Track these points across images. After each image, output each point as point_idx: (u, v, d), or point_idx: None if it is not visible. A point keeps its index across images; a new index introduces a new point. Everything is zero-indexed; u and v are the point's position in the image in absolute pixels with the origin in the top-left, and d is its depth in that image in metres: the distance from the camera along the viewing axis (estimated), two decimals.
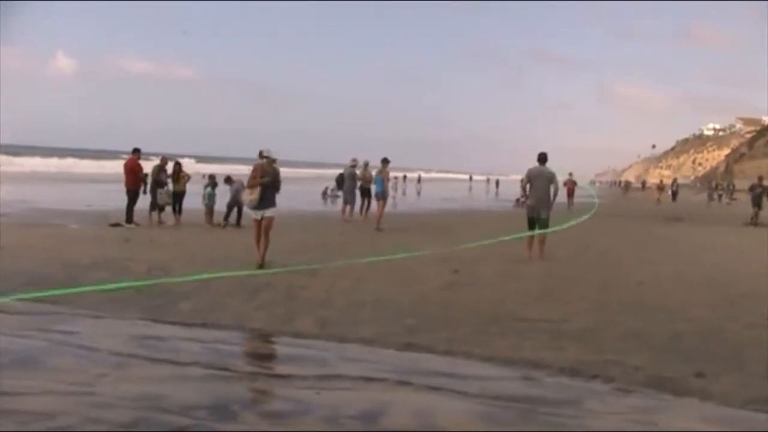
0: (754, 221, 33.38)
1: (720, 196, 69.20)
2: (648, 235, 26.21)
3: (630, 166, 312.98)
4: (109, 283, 11.05)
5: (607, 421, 6.23)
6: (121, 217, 22.15)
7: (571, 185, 48.55)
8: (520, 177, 18.55)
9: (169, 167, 24.26)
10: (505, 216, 32.57)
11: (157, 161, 24.39)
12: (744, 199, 54.10)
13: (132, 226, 21.58)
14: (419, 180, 74.77)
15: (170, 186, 23.73)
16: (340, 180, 28.63)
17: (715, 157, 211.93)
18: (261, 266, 13.50)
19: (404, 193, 59.46)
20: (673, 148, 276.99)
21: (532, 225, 17.07)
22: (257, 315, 9.77)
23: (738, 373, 7.68)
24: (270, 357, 7.93)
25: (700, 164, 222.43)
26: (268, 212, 14.07)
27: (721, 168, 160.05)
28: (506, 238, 16.51)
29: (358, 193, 28.27)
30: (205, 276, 11.17)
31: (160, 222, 22.96)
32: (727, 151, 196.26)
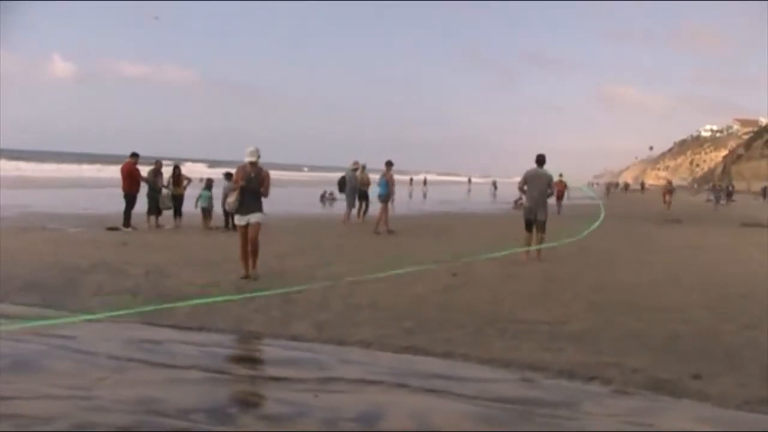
0: None
1: (718, 198, 68.49)
2: (645, 236, 26.24)
3: (627, 168, 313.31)
4: (108, 286, 11.11)
5: (605, 423, 6.24)
6: (119, 221, 22.16)
7: (560, 187, 42.61)
8: (518, 179, 18.54)
9: (166, 171, 24.24)
10: (505, 218, 32.53)
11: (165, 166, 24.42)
12: (742, 202, 54.38)
13: (129, 229, 21.58)
14: (425, 182, 75.10)
15: (169, 189, 23.75)
16: (341, 183, 28.59)
17: (712, 159, 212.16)
18: (247, 277, 12.83)
19: (410, 196, 59.58)
20: (670, 150, 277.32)
21: (529, 226, 17.11)
22: (254, 318, 9.77)
23: (735, 374, 7.68)
24: (267, 360, 7.93)
25: (697, 165, 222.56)
26: (254, 218, 12.97)
27: (719, 169, 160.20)
28: (517, 249, 16.51)
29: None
30: (196, 302, 11.13)
31: (158, 226, 22.96)
32: (724, 152, 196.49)
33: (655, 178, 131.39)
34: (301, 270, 13.77)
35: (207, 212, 23.81)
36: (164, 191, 23.55)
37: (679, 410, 6.70)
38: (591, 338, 9.15)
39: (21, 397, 6.39)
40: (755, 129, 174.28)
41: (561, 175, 43.27)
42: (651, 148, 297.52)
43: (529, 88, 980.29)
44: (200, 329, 9.17)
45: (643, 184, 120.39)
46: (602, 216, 19.67)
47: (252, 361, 7.90)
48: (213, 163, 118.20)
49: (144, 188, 23.35)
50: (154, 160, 24.91)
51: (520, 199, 27.16)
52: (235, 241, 19.37)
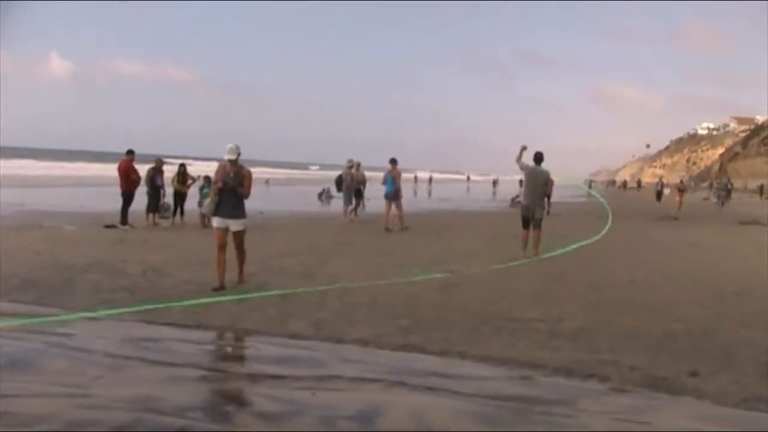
0: None
1: (722, 197, 67.70)
2: (642, 234, 26.25)
3: (624, 166, 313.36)
4: (105, 285, 11.14)
5: (603, 420, 6.24)
6: (116, 219, 22.14)
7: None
8: (519, 177, 18.61)
9: (169, 169, 24.29)
10: (503, 216, 32.51)
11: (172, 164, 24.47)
12: (739, 200, 54.41)
13: (126, 227, 21.58)
14: (430, 180, 75.38)
15: (173, 186, 23.82)
16: (338, 181, 28.64)
17: (709, 156, 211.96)
18: (221, 288, 11.55)
19: (415, 194, 59.78)
20: (667, 148, 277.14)
21: (526, 224, 17.14)
22: (251, 316, 9.76)
23: (731, 372, 7.70)
24: (265, 358, 7.89)
25: (694, 163, 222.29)
26: (236, 225, 11.99)
27: (716, 167, 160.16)
28: (523, 261, 16.52)
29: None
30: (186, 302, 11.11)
31: (155, 224, 22.94)
32: (721, 150, 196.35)
33: (651, 176, 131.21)
34: (297, 269, 13.75)
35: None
36: (165, 202, 23.62)
37: (676, 408, 6.70)
38: (587, 336, 9.16)
39: (17, 395, 6.38)
40: (752, 127, 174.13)
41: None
42: (648, 146, 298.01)
43: (527, 87, 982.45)
44: (197, 327, 9.16)
45: (639, 182, 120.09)
46: (609, 219, 19.73)
47: (249, 359, 7.89)
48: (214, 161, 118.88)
49: (143, 186, 23.36)
50: (155, 159, 24.94)
51: (517, 196, 27.21)
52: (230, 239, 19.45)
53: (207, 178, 24.91)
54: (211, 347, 8.28)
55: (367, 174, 28.48)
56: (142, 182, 23.38)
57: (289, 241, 18.89)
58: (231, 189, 11.87)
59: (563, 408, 6.50)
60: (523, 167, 17.31)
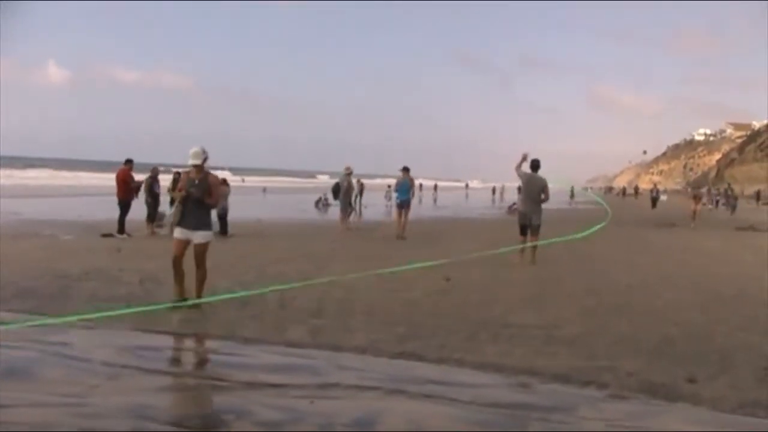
0: None
1: (717, 202, 66.96)
2: (639, 239, 26.30)
3: (621, 172, 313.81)
4: (102, 293, 11.16)
5: (601, 427, 6.25)
6: (113, 228, 22.15)
7: None
8: (517, 184, 18.61)
9: (164, 178, 24.29)
10: (501, 222, 32.53)
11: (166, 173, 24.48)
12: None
13: (124, 236, 21.58)
14: (435, 188, 75.77)
15: (166, 195, 23.83)
16: (336, 189, 28.64)
17: (706, 162, 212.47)
18: (183, 300, 10.75)
19: (420, 201, 59.96)
20: (664, 154, 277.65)
21: (524, 231, 17.19)
22: (249, 324, 9.75)
23: (729, 377, 7.71)
24: (262, 366, 7.89)
25: (691, 169, 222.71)
26: (198, 236, 10.92)
27: (713, 173, 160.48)
28: (518, 246, 16.52)
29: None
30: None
31: (153, 232, 22.94)
32: (718, 155, 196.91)
33: (648, 183, 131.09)
34: (294, 276, 13.74)
35: None
36: (161, 211, 23.65)
37: (674, 414, 6.71)
38: (584, 342, 9.17)
39: (14, 405, 6.37)
40: (748, 133, 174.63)
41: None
42: (645, 152, 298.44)
43: (524, 90, 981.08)
44: (194, 335, 9.16)
45: (636, 189, 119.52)
46: (608, 213, 19.72)
47: (247, 367, 7.86)
48: (236, 171, 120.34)
49: (142, 195, 23.38)
50: (151, 167, 24.96)
51: (515, 204, 27.23)
52: (226, 247, 19.46)
53: (223, 181, 24.95)
54: (209, 355, 8.27)
55: (365, 182, 28.45)
56: (141, 191, 23.39)
57: (287, 248, 18.90)
58: (197, 198, 10.85)
59: (562, 415, 6.50)
60: (520, 175, 17.38)
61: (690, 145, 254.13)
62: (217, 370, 7.69)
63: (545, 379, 7.64)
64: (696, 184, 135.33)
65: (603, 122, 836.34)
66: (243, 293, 10.82)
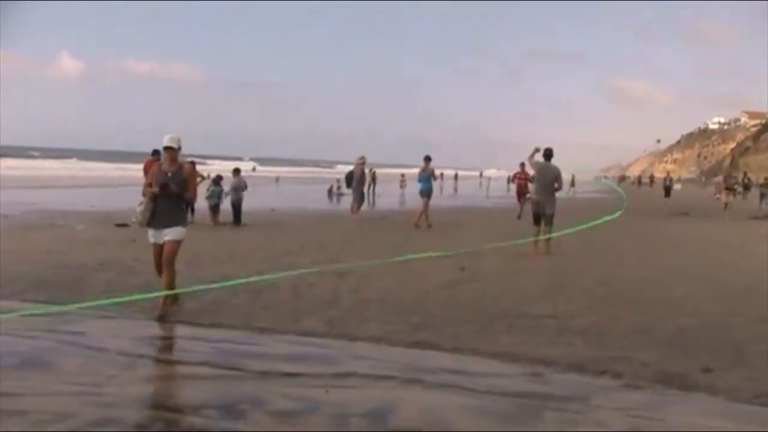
0: None
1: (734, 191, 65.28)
2: (652, 230, 26.17)
3: (635, 161, 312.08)
4: (117, 283, 11.20)
5: (616, 417, 6.25)
6: (127, 218, 22.20)
7: (522, 178, 30.82)
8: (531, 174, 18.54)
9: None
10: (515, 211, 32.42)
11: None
12: (750, 194, 53.93)
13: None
14: (456, 177, 76.15)
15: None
16: (349, 177, 28.65)
17: (720, 151, 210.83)
18: (161, 317, 9.54)
19: (441, 191, 60.05)
20: (678, 143, 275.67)
21: (537, 220, 17.16)
22: (264, 314, 9.80)
23: (744, 368, 7.69)
24: (278, 356, 7.91)
25: (705, 158, 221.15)
26: (171, 233, 9.82)
27: (727, 162, 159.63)
28: (530, 239, 16.50)
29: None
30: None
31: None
32: (732, 144, 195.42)
33: (662, 171, 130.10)
34: (308, 266, 13.75)
35: (215, 208, 23.85)
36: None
37: (689, 404, 6.71)
38: (598, 332, 9.16)
39: (32, 394, 6.42)
40: (763, 121, 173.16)
41: (522, 165, 30.41)
42: (659, 141, 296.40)
43: (537, 83, 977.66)
44: (210, 325, 9.19)
45: (651, 178, 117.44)
46: (624, 200, 19.64)
47: (262, 356, 7.89)
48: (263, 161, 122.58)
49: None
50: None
51: (528, 193, 27.15)
52: (240, 236, 19.51)
53: (217, 176, 24.98)
54: (225, 345, 8.29)
55: (379, 171, 28.47)
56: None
57: (300, 238, 18.92)
58: (170, 193, 9.77)
59: (577, 404, 6.51)
60: (533, 165, 17.37)
61: (704, 133, 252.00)
62: (232, 359, 7.70)
63: (560, 368, 7.65)
64: (710, 173, 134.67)
65: (617, 113, 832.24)
66: (232, 282, 10.86)
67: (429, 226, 23.30)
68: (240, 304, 10.35)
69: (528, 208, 21.16)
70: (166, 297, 9.80)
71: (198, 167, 25.77)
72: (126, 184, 23.03)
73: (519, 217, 28.55)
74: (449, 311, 10.22)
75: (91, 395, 6.42)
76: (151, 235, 9.95)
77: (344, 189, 37.55)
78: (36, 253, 14.57)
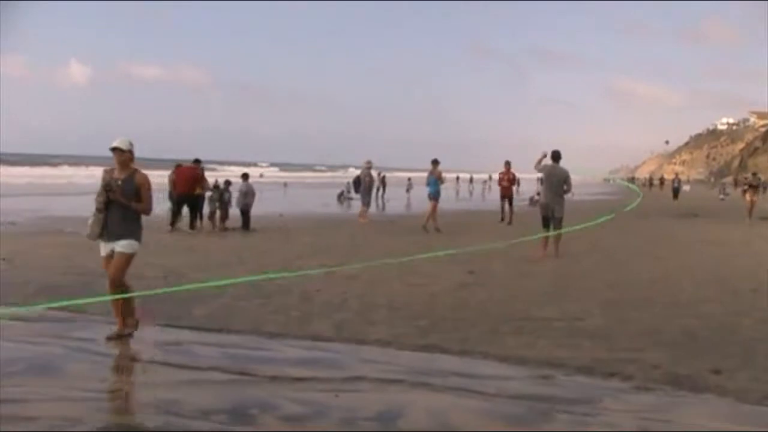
0: None
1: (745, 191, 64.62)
2: (660, 231, 26.11)
3: (643, 162, 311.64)
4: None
5: (626, 419, 6.24)
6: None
7: (507, 179, 28.77)
8: (538, 176, 18.50)
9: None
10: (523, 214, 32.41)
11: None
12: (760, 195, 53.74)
13: (192, 230, 22.91)
14: (471, 180, 76.87)
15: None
16: (356, 182, 28.79)
17: (729, 152, 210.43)
18: (119, 336, 8.62)
19: (457, 193, 60.47)
20: (686, 144, 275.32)
21: (546, 223, 17.12)
22: (273, 319, 9.81)
23: (753, 369, 7.68)
24: (287, 360, 7.92)
25: (714, 159, 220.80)
26: (120, 245, 8.60)
27: (735, 162, 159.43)
28: (540, 235, 16.49)
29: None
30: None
31: (173, 228, 23.11)
32: (741, 145, 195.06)
33: (671, 173, 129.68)
34: (318, 269, 13.77)
35: (212, 215, 23.90)
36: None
37: (699, 406, 6.69)
38: (607, 334, 9.15)
39: (42, 400, 6.45)
40: None
41: (508, 164, 28.87)
42: (667, 143, 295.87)
43: (541, 84, 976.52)
44: (219, 330, 9.21)
45: (662, 179, 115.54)
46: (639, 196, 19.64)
47: (271, 361, 7.90)
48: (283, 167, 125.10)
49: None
50: (175, 164, 25.19)
51: (537, 194, 27.16)
52: (250, 242, 19.54)
53: (226, 182, 25.03)
54: (234, 350, 8.30)
55: (388, 174, 28.61)
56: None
57: (309, 243, 18.96)
58: (121, 203, 8.60)
59: (586, 407, 6.51)
60: (540, 169, 17.36)
61: (713, 134, 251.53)
62: (241, 364, 7.71)
63: (569, 371, 7.64)
64: (719, 174, 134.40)
65: (625, 114, 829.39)
66: (217, 282, 10.87)
67: (437, 230, 23.29)
68: (249, 308, 10.37)
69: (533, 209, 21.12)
70: (124, 315, 8.75)
71: (214, 174, 26.01)
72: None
73: (505, 221, 27.85)
74: (458, 314, 10.23)
75: (100, 401, 6.45)
76: (102, 248, 8.74)
77: (353, 194, 37.63)
78: (44, 259, 14.63)
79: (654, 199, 56.86)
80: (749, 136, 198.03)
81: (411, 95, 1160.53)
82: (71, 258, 14.99)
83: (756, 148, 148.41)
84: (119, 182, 8.62)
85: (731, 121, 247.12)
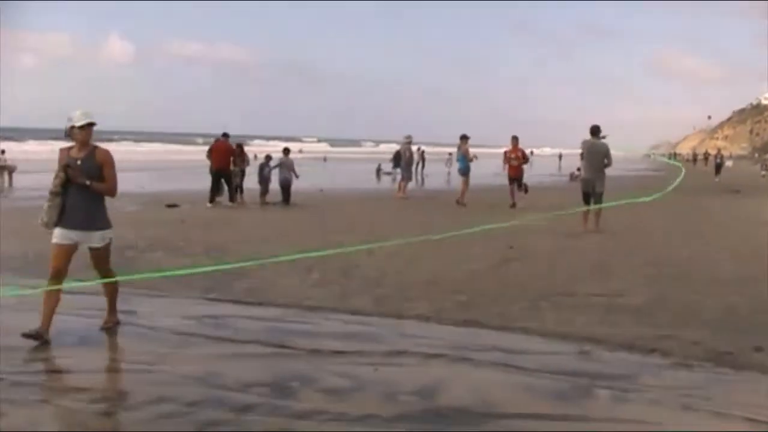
0: None
1: None
2: (702, 208, 25.84)
3: (685, 138, 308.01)
4: (168, 264, 11.32)
5: (667, 395, 6.21)
6: (178, 199, 22.65)
7: (517, 157, 25.49)
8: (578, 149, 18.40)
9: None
10: (564, 190, 32.26)
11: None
12: None
13: (233, 203, 23.39)
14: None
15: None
16: (396, 157, 28.85)
17: None
18: (40, 337, 7.32)
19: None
20: (729, 119, 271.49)
21: (587, 199, 17.03)
22: (313, 293, 9.88)
23: None
24: (327, 334, 7.97)
25: (757, 135, 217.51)
26: (95, 238, 7.75)
27: None
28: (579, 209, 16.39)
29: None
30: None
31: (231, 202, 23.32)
32: None
33: (713, 149, 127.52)
34: (358, 245, 13.78)
35: (264, 188, 24.06)
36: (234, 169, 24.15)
37: (741, 383, 6.66)
38: (647, 311, 9.10)
39: (90, 371, 6.59)
40: None
41: (515, 138, 25.81)
42: (709, 118, 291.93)
43: (584, 60, 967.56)
44: (260, 304, 9.30)
45: (706, 155, 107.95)
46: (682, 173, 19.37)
47: (311, 335, 7.95)
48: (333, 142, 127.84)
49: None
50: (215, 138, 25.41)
51: (578, 170, 27.00)
52: (288, 216, 19.63)
53: (267, 156, 25.17)
54: (274, 324, 8.37)
55: (427, 149, 28.67)
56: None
57: (348, 218, 19.02)
58: (82, 184, 7.48)
59: (627, 383, 6.49)
60: (582, 144, 17.26)
61: (756, 109, 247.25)
62: (282, 337, 7.78)
63: (609, 347, 7.62)
64: (762, 150, 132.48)
65: (666, 89, 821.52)
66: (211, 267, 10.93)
67: (463, 205, 23.31)
68: (289, 283, 10.45)
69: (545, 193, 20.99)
70: (112, 308, 8.18)
71: (256, 148, 26.19)
72: (173, 167, 23.28)
73: (513, 206, 24.24)
74: (497, 289, 10.22)
75: (145, 373, 6.54)
76: (58, 235, 7.54)
77: (390, 168, 37.65)
78: None
79: (696, 176, 56.22)
80: None
81: (457, 73, 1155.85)
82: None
83: None
84: (79, 162, 7.50)
85: None
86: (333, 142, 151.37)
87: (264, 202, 23.49)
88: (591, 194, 16.96)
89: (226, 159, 23.40)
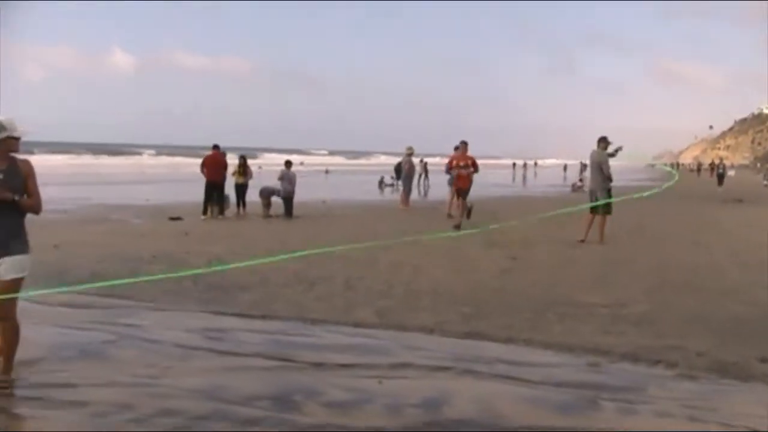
0: None
1: None
2: (705, 216, 25.82)
3: (687, 147, 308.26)
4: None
5: (672, 406, 6.19)
6: (181, 212, 22.62)
7: (467, 165, 20.67)
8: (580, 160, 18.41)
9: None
10: (566, 201, 32.22)
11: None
12: None
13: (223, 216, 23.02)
14: (525, 166, 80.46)
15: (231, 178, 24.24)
16: (398, 168, 28.89)
17: None
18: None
19: (513, 180, 61.72)
20: (731, 129, 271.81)
21: (592, 208, 16.97)
22: (316, 305, 9.86)
23: None
24: (331, 347, 7.96)
25: (759, 144, 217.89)
26: (4, 268, 6.26)
27: None
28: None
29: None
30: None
31: (221, 215, 23.27)
32: None
33: (715, 158, 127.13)
34: (361, 256, 13.76)
35: (266, 200, 24.02)
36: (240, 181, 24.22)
37: (746, 394, 6.63)
38: (652, 321, 9.09)
39: (92, 385, 6.54)
40: None
41: (464, 144, 21.19)
42: (711, 127, 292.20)
43: (586, 68, 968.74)
44: (263, 317, 9.27)
45: (712, 165, 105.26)
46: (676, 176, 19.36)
47: (315, 348, 7.94)
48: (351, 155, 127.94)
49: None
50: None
51: (580, 181, 27.04)
52: (294, 228, 19.61)
53: (288, 163, 25.15)
54: (278, 337, 8.35)
55: (430, 161, 28.67)
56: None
57: (352, 229, 18.97)
58: (9, 201, 6.22)
59: (633, 395, 6.47)
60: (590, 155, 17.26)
61: (758, 118, 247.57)
62: (285, 350, 7.76)
63: (614, 358, 7.60)
64: (764, 160, 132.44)
65: (668, 97, 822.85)
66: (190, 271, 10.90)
67: (449, 215, 23.11)
68: (292, 295, 10.43)
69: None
70: (7, 361, 6.60)
71: (259, 161, 26.18)
72: (174, 180, 23.30)
73: (454, 219, 21.26)
74: (501, 301, 10.21)
75: (148, 386, 6.52)
76: None
77: (393, 180, 37.68)
78: (92, 247, 14.76)
79: (698, 185, 56.19)
80: None
81: (458, 80, 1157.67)
82: (119, 245, 15.15)
83: None
84: (0, 175, 6.26)
85: None
86: (348, 155, 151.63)
87: (267, 215, 23.45)
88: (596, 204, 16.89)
89: (219, 171, 23.36)
